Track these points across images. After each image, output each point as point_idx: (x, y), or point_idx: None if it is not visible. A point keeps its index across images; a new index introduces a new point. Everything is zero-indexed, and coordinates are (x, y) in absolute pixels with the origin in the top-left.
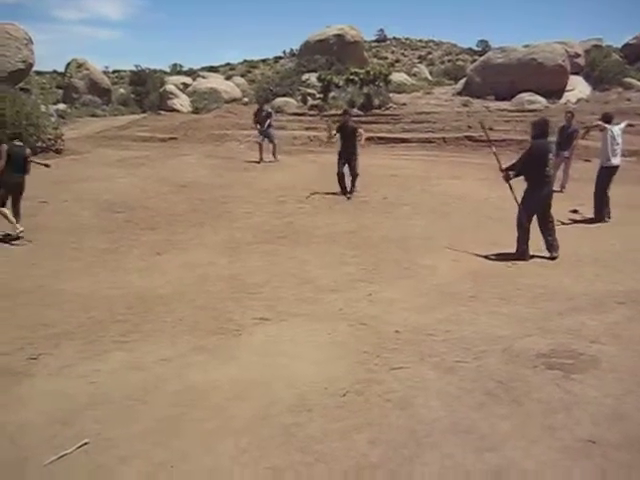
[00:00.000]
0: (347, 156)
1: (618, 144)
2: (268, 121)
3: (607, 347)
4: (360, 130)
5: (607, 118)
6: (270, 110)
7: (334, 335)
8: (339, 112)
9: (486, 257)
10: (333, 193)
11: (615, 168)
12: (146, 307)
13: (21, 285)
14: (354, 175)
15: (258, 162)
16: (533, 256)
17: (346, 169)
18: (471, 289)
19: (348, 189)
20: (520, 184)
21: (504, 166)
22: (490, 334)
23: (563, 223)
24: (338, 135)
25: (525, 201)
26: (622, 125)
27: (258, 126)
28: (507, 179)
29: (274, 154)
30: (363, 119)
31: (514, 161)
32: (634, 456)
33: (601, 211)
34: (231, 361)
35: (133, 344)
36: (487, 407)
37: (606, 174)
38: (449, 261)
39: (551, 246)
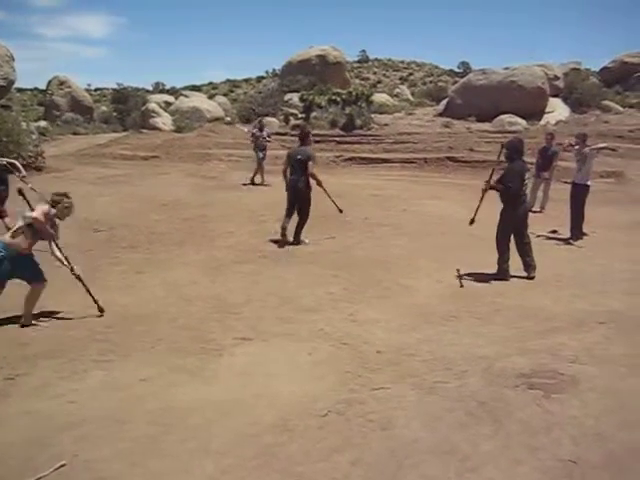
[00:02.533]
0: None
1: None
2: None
3: (587, 367)
4: (310, 169)
5: (584, 138)
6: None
7: (315, 355)
8: (321, 132)
9: (467, 277)
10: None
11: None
12: (126, 326)
13: None
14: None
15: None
16: (513, 276)
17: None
18: (452, 309)
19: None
20: (494, 205)
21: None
22: (471, 354)
23: (543, 238)
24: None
25: (502, 220)
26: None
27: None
28: (485, 191)
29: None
30: (346, 139)
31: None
32: (614, 476)
33: (581, 229)
34: (211, 381)
35: (112, 364)
36: (468, 427)
37: (586, 193)
38: (430, 281)
39: (529, 266)
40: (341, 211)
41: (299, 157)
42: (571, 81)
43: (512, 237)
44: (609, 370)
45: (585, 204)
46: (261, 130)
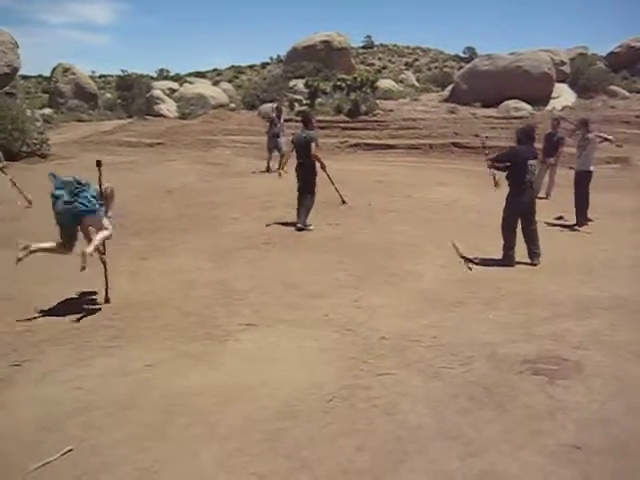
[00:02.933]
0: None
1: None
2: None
3: (592, 353)
4: (314, 152)
5: (586, 123)
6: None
7: (320, 341)
8: (326, 118)
9: (473, 263)
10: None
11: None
12: (132, 313)
13: (6, 291)
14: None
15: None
16: (519, 262)
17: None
18: (457, 295)
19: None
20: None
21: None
22: (476, 340)
23: (548, 224)
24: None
25: (507, 206)
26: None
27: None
28: (490, 166)
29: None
30: (350, 125)
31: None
32: (618, 461)
33: (586, 215)
34: (217, 367)
35: (119, 350)
36: (473, 412)
37: (588, 179)
38: (435, 267)
39: (533, 254)
40: (344, 202)
41: (302, 140)
42: (577, 66)
43: (520, 223)
44: (614, 356)
45: (589, 190)
46: (279, 116)
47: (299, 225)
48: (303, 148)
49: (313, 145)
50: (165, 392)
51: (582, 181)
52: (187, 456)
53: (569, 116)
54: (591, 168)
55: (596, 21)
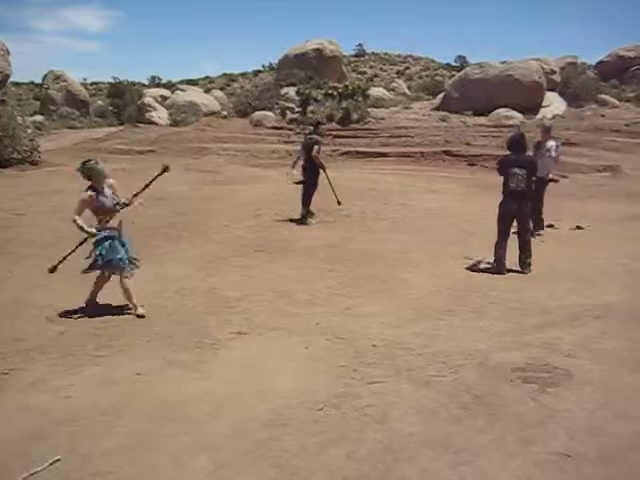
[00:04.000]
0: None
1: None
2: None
3: (582, 361)
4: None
5: (547, 130)
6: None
7: (311, 349)
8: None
9: (463, 272)
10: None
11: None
12: (122, 321)
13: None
14: (304, 203)
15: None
16: (510, 270)
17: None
18: (448, 303)
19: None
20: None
21: None
22: (467, 348)
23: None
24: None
25: (497, 214)
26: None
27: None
28: None
29: None
30: (342, 133)
31: None
32: (609, 470)
33: (540, 221)
34: (207, 376)
35: (108, 358)
36: (463, 421)
37: (542, 186)
38: (426, 275)
39: (524, 263)
40: (340, 203)
41: (308, 142)
42: (567, 75)
43: (517, 230)
44: (604, 364)
45: (543, 197)
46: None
47: (301, 215)
48: (306, 149)
49: (316, 148)
50: (154, 401)
51: (536, 188)
52: (177, 465)
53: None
54: (547, 175)
55: (585, 31)
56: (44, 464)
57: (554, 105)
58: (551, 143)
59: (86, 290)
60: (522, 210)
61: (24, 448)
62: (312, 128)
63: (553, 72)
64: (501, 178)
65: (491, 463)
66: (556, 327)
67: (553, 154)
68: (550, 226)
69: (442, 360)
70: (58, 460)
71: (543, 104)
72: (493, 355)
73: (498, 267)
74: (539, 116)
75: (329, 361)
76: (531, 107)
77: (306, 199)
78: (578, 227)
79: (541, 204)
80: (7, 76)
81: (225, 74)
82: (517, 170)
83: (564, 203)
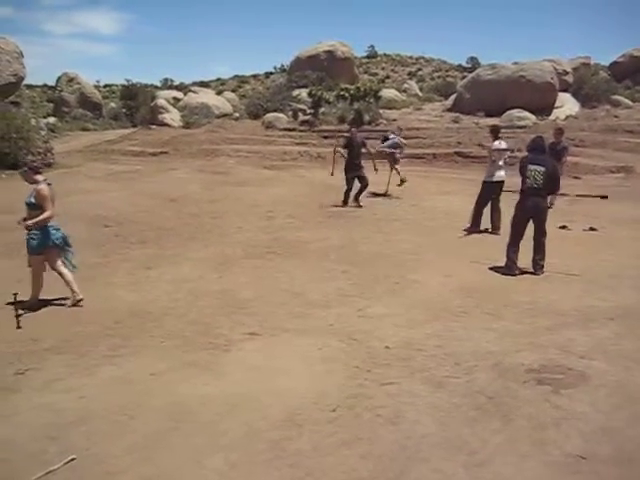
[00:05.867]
0: (355, 172)
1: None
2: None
3: (596, 362)
4: (368, 147)
5: (495, 132)
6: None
7: (324, 350)
8: (330, 128)
9: (476, 272)
10: (323, 208)
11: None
12: (136, 322)
13: (10, 299)
14: (364, 185)
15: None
16: (524, 272)
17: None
18: (461, 304)
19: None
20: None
21: None
22: (480, 349)
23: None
24: (345, 151)
25: (513, 215)
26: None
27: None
28: None
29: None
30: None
31: None
32: (623, 471)
33: (478, 225)
34: (221, 376)
35: (122, 359)
36: (477, 422)
37: (485, 189)
38: (439, 276)
39: (536, 264)
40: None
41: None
42: (581, 76)
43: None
44: (619, 365)
45: (485, 201)
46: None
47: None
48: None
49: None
50: (168, 401)
51: (481, 191)
52: (191, 466)
53: (572, 125)
54: (492, 179)
55: (599, 31)
56: (59, 463)
57: (567, 106)
58: (496, 143)
59: (106, 292)
60: (539, 209)
61: (39, 447)
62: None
63: (566, 73)
64: (514, 179)
65: (505, 464)
66: (570, 329)
67: (500, 158)
68: (563, 227)
69: (456, 361)
70: (73, 459)
71: (556, 105)
72: (507, 357)
73: (509, 268)
74: (552, 117)
75: (342, 362)
76: (544, 108)
77: (358, 194)
78: (592, 229)
79: (479, 209)
80: (21, 79)
81: (237, 76)
82: (536, 167)
83: (577, 204)
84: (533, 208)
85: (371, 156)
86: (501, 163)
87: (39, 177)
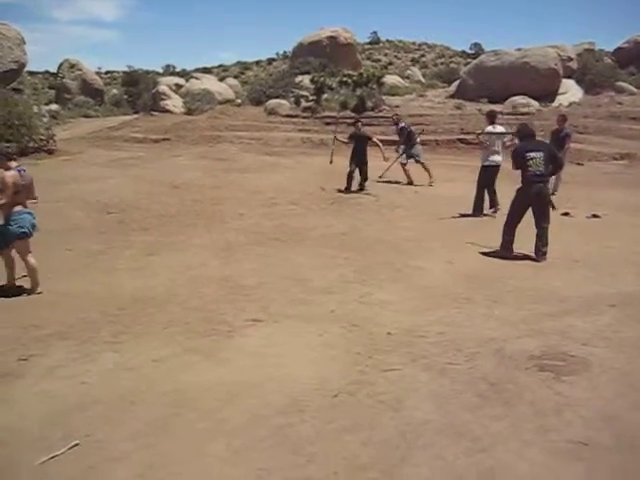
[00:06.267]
0: (358, 161)
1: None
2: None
3: (598, 349)
4: (374, 139)
5: (491, 117)
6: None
7: (326, 336)
8: (332, 114)
9: (478, 259)
10: (325, 195)
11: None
12: (138, 308)
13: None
14: (364, 178)
15: (410, 184)
16: (525, 258)
17: (356, 173)
18: (463, 291)
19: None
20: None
21: None
22: (482, 336)
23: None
24: (346, 139)
25: (514, 197)
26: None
27: (401, 147)
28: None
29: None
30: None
31: None
32: (625, 458)
33: (481, 209)
34: (223, 362)
35: (125, 345)
36: (479, 409)
37: (483, 174)
38: (441, 263)
39: (538, 251)
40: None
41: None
42: (584, 62)
43: (533, 218)
44: (621, 352)
45: (483, 185)
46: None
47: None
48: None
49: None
50: (171, 388)
51: (479, 175)
52: (193, 451)
53: (575, 112)
54: (486, 163)
55: (603, 17)
56: (62, 449)
57: (571, 92)
58: (489, 127)
59: (108, 278)
60: (542, 195)
61: (42, 433)
62: (359, 124)
63: (570, 59)
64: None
65: (507, 451)
66: (572, 315)
67: (493, 138)
68: (566, 214)
69: (457, 348)
70: (76, 445)
71: (560, 91)
72: (509, 343)
73: (503, 251)
74: (555, 103)
75: (344, 348)
76: (547, 94)
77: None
78: (594, 215)
79: (481, 192)
80: (23, 65)
81: (239, 62)
82: (535, 154)
83: (580, 191)
84: (536, 194)
85: (379, 146)
86: (496, 148)
87: (12, 163)
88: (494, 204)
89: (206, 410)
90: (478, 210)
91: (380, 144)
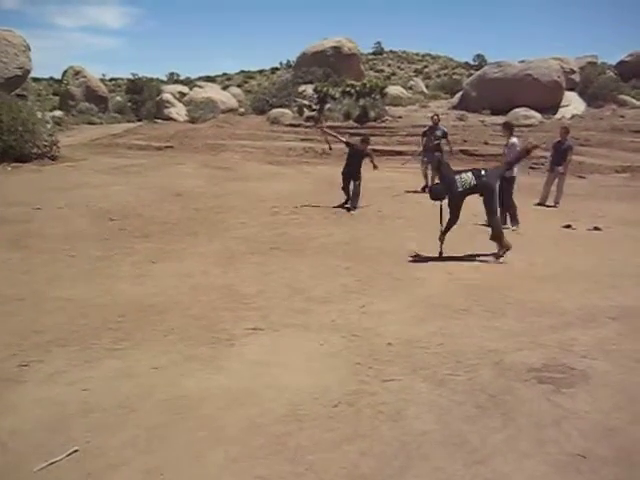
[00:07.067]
0: (350, 177)
1: None
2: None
3: (598, 362)
4: (371, 158)
5: (509, 128)
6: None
7: (326, 346)
8: (335, 124)
9: (479, 270)
10: (327, 205)
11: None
12: (139, 315)
13: (14, 291)
14: (356, 193)
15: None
16: (525, 270)
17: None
18: (463, 302)
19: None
20: None
21: None
22: (482, 347)
23: (555, 231)
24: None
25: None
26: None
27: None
28: None
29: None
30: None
31: None
32: (623, 471)
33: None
34: (223, 371)
35: (125, 352)
36: (478, 420)
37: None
38: (442, 274)
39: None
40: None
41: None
42: (587, 75)
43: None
44: (621, 365)
45: (501, 196)
46: (433, 129)
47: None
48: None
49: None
50: (170, 395)
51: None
52: (192, 459)
53: (578, 124)
54: (506, 175)
55: (606, 30)
56: (62, 455)
57: (573, 105)
58: (514, 140)
59: (109, 285)
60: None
61: (42, 439)
62: (365, 144)
63: (573, 72)
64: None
65: (506, 463)
66: (572, 328)
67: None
68: (568, 227)
69: (457, 359)
70: (76, 451)
71: (562, 104)
72: (508, 355)
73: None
74: (558, 116)
75: (344, 358)
76: (550, 107)
77: (355, 199)
78: (596, 228)
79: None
80: (27, 72)
81: (243, 71)
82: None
83: (582, 203)
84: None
85: (371, 159)
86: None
87: None
88: (515, 220)
89: (205, 418)
90: (514, 220)
91: (374, 156)
